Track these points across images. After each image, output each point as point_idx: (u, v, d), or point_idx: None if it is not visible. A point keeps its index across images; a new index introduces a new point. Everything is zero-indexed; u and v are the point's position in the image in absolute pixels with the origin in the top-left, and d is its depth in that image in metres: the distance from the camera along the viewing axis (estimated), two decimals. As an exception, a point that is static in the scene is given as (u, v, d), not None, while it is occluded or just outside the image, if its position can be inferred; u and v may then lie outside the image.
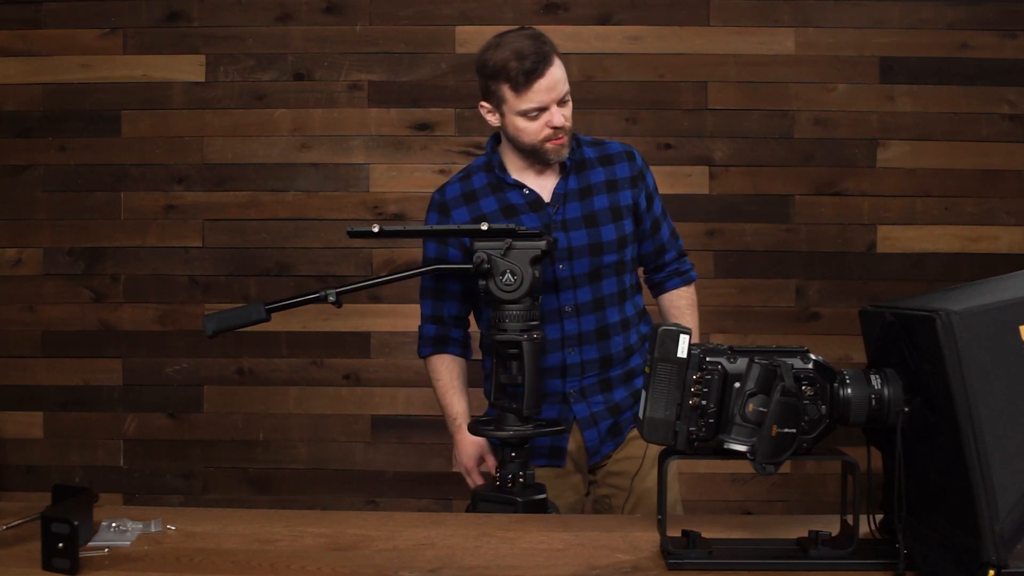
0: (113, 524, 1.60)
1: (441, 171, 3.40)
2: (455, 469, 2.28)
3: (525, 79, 2.02)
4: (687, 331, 1.43)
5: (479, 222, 2.13)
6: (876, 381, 1.42)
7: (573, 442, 2.19)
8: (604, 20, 3.37)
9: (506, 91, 2.05)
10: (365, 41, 3.41)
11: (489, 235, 1.89)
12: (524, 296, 1.89)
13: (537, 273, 1.90)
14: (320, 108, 3.41)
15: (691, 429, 1.43)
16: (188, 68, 3.41)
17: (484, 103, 2.13)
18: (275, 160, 3.42)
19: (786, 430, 1.38)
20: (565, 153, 2.12)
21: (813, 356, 1.43)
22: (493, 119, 2.14)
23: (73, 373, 3.43)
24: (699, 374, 1.42)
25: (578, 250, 2.14)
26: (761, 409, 1.39)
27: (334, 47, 3.41)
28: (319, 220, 3.41)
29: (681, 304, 2.31)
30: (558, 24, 3.37)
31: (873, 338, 1.53)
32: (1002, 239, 3.36)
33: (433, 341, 2.22)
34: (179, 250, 3.42)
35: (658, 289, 2.34)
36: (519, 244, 1.89)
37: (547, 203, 2.16)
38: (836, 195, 3.36)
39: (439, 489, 3.39)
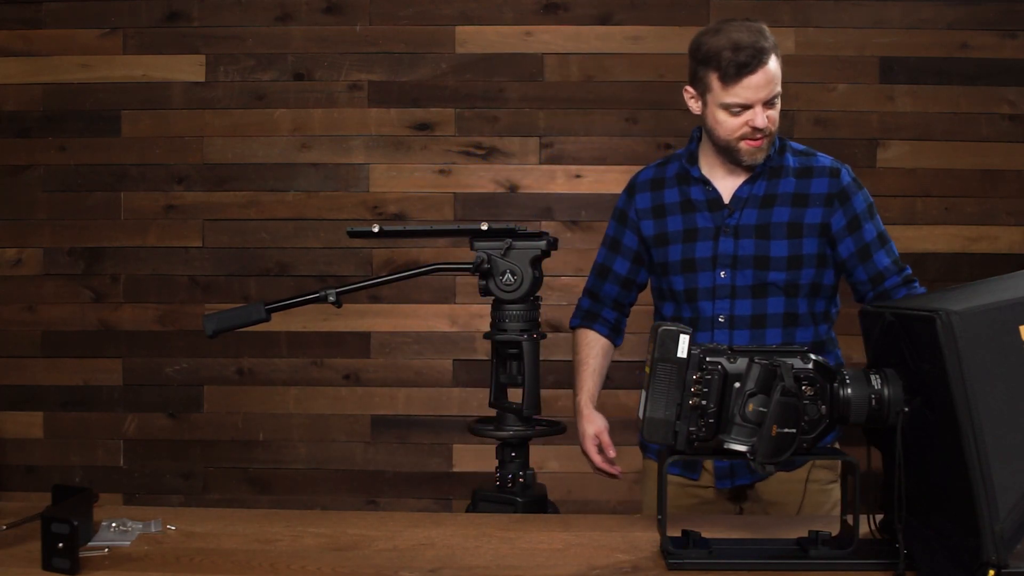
0: (113, 524, 1.60)
1: (441, 171, 3.40)
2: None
3: (736, 72, 1.93)
4: (687, 331, 1.43)
5: (660, 210, 2.13)
6: (876, 381, 1.42)
7: (708, 461, 2.08)
8: (604, 20, 3.37)
9: (714, 80, 1.97)
10: (365, 41, 3.41)
11: (489, 235, 1.89)
12: (524, 296, 1.89)
13: (537, 273, 1.90)
14: (320, 108, 3.41)
15: (691, 429, 1.43)
16: (188, 68, 3.41)
17: (689, 88, 2.05)
18: (275, 160, 3.41)
19: (786, 430, 1.38)
20: (760, 157, 2.02)
21: (813, 356, 1.43)
22: (695, 105, 2.05)
23: (73, 373, 3.43)
24: (699, 374, 1.42)
25: (743, 260, 2.04)
26: (761, 409, 1.39)
27: (334, 47, 3.41)
28: (319, 220, 3.41)
29: None
30: (558, 24, 3.37)
31: (873, 338, 1.53)
32: (1002, 239, 3.36)
33: (584, 314, 2.25)
34: (179, 250, 3.42)
35: None
36: (519, 244, 1.89)
37: (725, 204, 2.07)
38: (836, 195, 3.36)
39: (439, 489, 3.39)
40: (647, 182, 2.18)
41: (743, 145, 2.00)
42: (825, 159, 2.10)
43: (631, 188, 2.21)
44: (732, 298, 2.04)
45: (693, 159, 2.12)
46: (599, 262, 2.24)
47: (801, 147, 2.13)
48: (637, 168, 3.44)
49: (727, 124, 1.99)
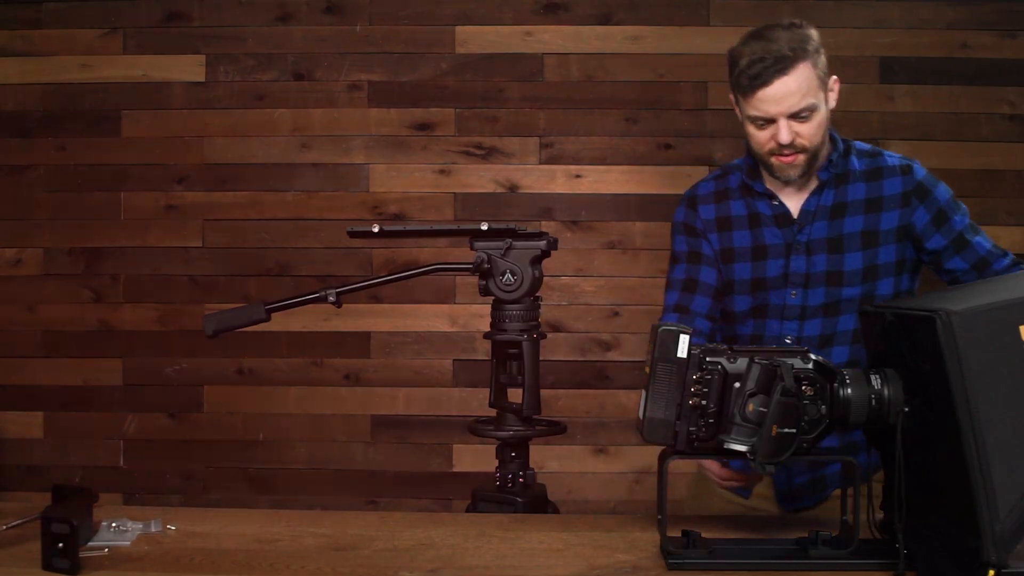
0: (113, 524, 1.60)
1: (441, 171, 3.40)
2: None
3: (749, 84, 1.82)
4: (687, 331, 1.43)
5: (726, 223, 2.00)
6: (876, 381, 1.42)
7: (765, 481, 1.97)
8: (604, 20, 3.37)
9: (737, 91, 1.89)
10: (365, 41, 3.41)
11: (489, 235, 1.90)
12: (524, 296, 1.89)
13: (537, 273, 1.90)
14: (320, 108, 3.41)
15: (691, 429, 1.43)
16: (188, 68, 3.41)
17: (731, 94, 1.94)
18: (275, 160, 3.41)
19: (786, 430, 1.38)
20: (793, 174, 1.88)
21: (813, 356, 1.43)
22: (739, 114, 1.95)
23: (73, 373, 3.43)
24: (699, 374, 1.42)
25: (815, 277, 1.91)
26: (761, 409, 1.39)
27: (334, 47, 3.41)
28: (319, 220, 3.41)
29: None
30: (558, 24, 3.37)
31: (873, 338, 1.53)
32: (1002, 239, 3.33)
33: None
34: (179, 250, 3.42)
35: None
36: (519, 244, 1.89)
37: (795, 219, 1.94)
38: (836, 195, 3.36)
39: (439, 489, 3.39)
40: (710, 194, 2.06)
41: (774, 160, 1.89)
42: (893, 157, 1.98)
43: (691, 200, 2.08)
44: (802, 319, 1.93)
45: (754, 173, 1.99)
46: (681, 278, 2.04)
47: (867, 147, 2.00)
48: (637, 168, 3.46)
49: (755, 137, 1.89)
